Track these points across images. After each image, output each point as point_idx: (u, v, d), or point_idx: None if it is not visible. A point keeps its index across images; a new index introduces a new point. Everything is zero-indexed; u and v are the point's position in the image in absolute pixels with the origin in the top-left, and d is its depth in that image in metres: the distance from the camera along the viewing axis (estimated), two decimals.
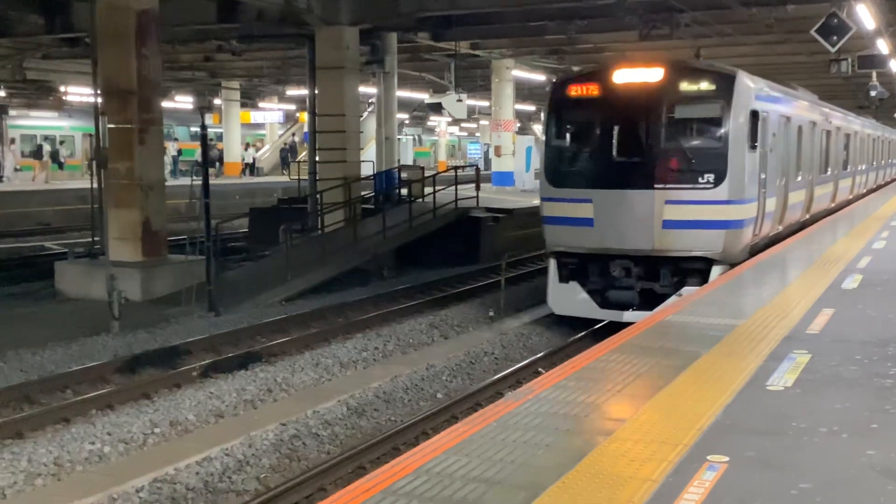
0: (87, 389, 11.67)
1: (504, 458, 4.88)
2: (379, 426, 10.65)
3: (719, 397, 6.00)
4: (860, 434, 5.34)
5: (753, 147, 13.64)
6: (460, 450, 5.00)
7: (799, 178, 17.46)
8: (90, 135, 22.56)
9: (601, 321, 14.13)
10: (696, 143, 13.74)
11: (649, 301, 13.42)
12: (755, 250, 14.23)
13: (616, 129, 14.04)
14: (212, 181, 19.21)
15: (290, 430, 10.15)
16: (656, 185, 13.33)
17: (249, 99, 47.28)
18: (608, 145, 14.01)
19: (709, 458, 4.87)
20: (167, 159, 41.81)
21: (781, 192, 15.87)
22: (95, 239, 19.48)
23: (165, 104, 27.29)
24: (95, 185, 18.39)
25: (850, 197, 25.94)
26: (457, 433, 5.30)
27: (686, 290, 13.00)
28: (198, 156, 45.52)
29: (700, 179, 13.29)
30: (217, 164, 45.71)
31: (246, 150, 49.65)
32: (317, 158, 23.10)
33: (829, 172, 21.18)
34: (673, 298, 12.84)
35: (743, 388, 6.23)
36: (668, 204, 13.28)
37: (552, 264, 14.33)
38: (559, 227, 14.05)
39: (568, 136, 14.82)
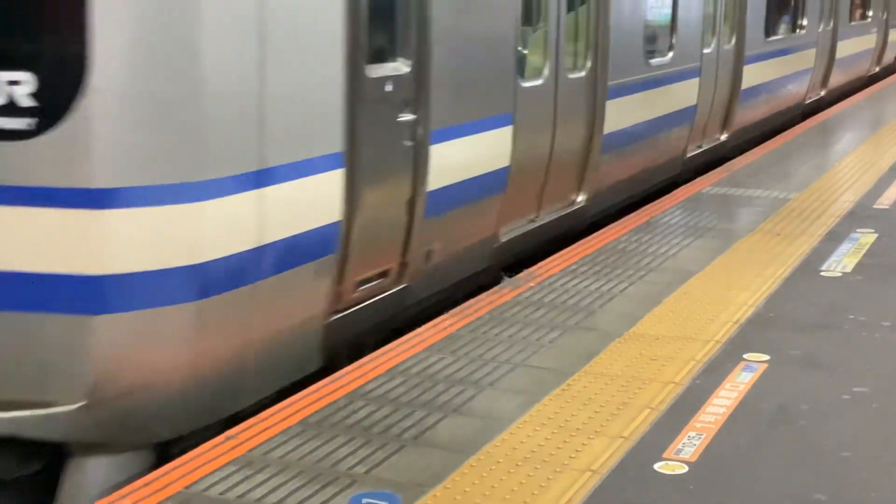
0: None
1: (498, 356, 4.92)
2: None
3: (762, 285, 6.02)
4: None
5: None
6: (444, 346, 5.04)
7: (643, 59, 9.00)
8: None
9: None
10: None
11: None
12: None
13: None
14: None
15: None
16: None
17: None
18: None
19: (745, 356, 4.91)
20: None
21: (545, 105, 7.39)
22: None
23: None
24: None
25: (853, 79, 17.51)
26: (441, 327, 5.33)
27: None
28: None
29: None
30: None
31: None
32: None
33: (780, 34, 13.33)
34: None
35: (791, 275, 6.26)
36: None
37: None
38: None
39: None
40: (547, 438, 4.01)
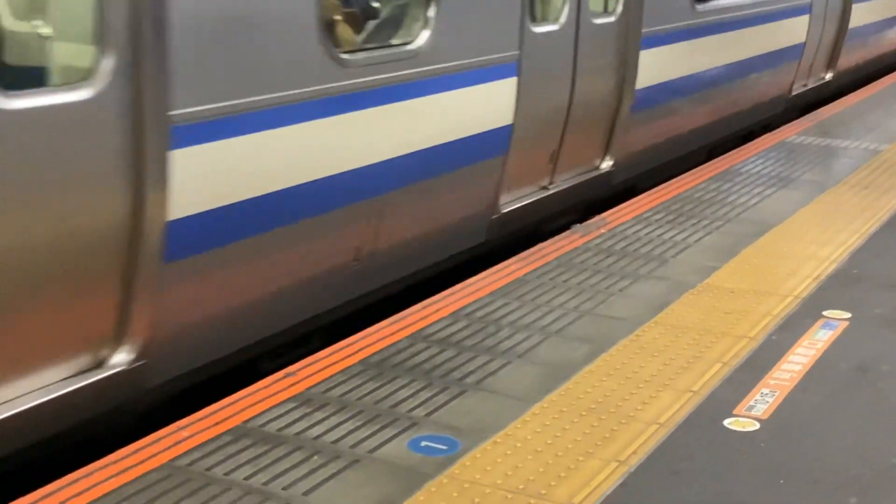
0: None
1: (565, 303, 4.94)
2: None
3: (846, 240, 5.95)
4: None
5: None
6: (510, 292, 5.07)
7: None
8: None
9: None
10: None
11: None
12: None
13: None
14: None
15: None
16: None
17: None
18: None
19: (825, 313, 4.88)
20: None
21: None
22: None
23: None
24: None
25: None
26: (507, 272, 5.36)
27: None
28: None
29: None
30: None
31: None
32: None
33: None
34: None
35: (879, 230, 6.17)
36: None
37: None
38: None
39: None
40: (613, 389, 4.03)
